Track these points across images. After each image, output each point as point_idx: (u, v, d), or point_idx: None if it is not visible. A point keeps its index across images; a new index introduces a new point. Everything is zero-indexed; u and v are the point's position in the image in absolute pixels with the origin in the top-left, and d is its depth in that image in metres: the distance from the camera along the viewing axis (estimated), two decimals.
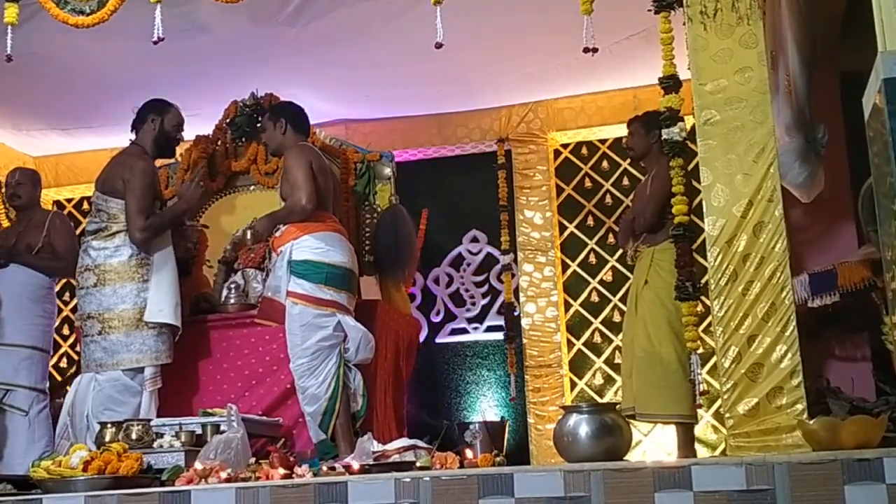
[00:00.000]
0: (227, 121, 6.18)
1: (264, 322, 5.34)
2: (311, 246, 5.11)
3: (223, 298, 5.78)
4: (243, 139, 6.14)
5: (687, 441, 5.08)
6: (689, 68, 4.19)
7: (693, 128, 4.19)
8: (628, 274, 6.09)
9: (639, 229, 5.37)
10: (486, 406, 7.08)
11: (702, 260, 4.54)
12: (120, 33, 5.00)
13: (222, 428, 4.57)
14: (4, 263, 5.89)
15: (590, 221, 7.13)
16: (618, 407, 4.23)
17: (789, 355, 3.82)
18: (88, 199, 6.80)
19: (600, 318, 6.98)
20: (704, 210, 4.03)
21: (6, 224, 7.09)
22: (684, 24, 4.18)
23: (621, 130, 5.91)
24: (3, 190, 6.43)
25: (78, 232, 6.38)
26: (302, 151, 5.25)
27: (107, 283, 5.29)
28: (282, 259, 5.16)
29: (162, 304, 5.27)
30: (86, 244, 5.39)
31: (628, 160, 7.00)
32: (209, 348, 5.62)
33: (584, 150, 7.24)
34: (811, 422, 3.62)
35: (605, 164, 7.18)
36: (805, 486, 3.09)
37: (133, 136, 5.56)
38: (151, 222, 5.30)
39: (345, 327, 5.10)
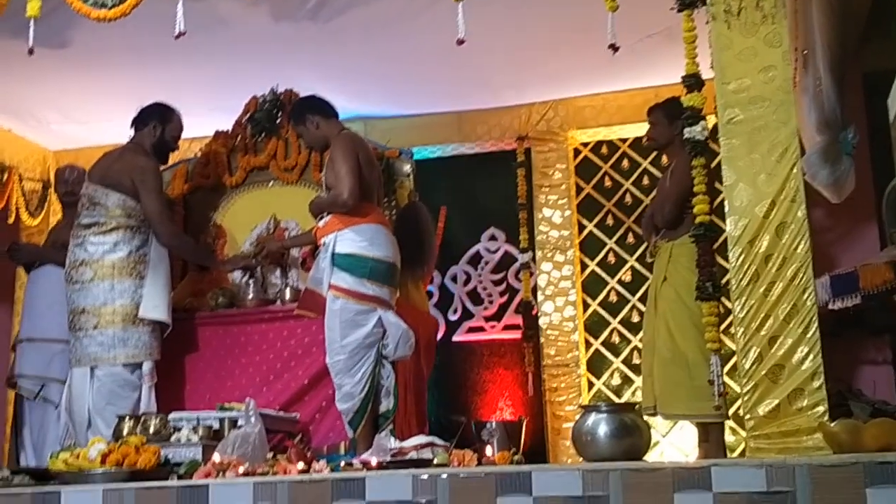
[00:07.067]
0: (247, 116, 6.18)
1: (304, 313, 5.28)
2: (354, 239, 5.09)
3: (241, 293, 5.79)
4: (263, 134, 6.14)
5: (718, 442, 4.95)
6: (711, 67, 4.16)
7: (715, 127, 4.15)
8: (647, 274, 6.05)
9: (658, 224, 5.29)
10: (503, 405, 7.05)
11: (723, 261, 4.52)
12: (140, 27, 5.00)
13: (240, 423, 4.58)
14: (34, 263, 5.96)
15: (609, 221, 7.09)
16: (637, 406, 4.19)
17: (811, 357, 3.78)
18: None
19: (619, 318, 6.94)
20: (727, 210, 3.98)
21: (28, 221, 7.14)
22: (707, 22, 4.14)
23: (642, 129, 5.84)
24: (57, 187, 6.44)
25: None
26: (350, 143, 5.23)
27: (104, 278, 5.30)
28: (325, 251, 5.12)
29: (157, 300, 5.32)
30: (82, 238, 5.38)
31: (649, 159, 6.97)
32: (227, 343, 5.63)
33: (605, 149, 7.20)
34: (832, 424, 3.59)
35: (625, 163, 7.13)
36: (826, 489, 3.07)
37: (132, 133, 5.59)
38: (185, 240, 5.70)
39: (385, 323, 5.08)
